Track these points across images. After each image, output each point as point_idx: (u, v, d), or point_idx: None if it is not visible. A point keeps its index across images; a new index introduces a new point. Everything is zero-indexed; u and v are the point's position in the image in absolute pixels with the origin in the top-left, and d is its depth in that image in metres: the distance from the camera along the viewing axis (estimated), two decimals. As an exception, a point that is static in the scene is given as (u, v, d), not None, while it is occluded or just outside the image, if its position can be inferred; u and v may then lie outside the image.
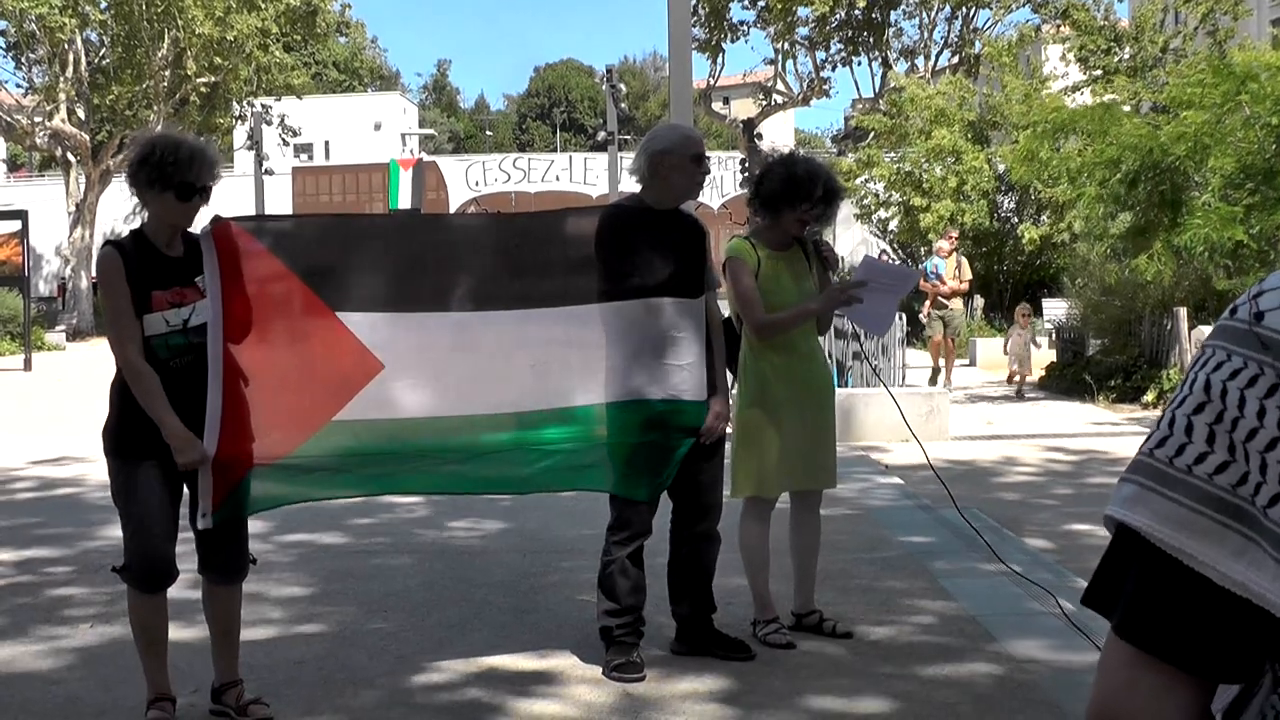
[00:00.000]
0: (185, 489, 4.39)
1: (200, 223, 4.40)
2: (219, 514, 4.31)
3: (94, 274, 4.80)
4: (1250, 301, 1.12)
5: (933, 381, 16.85)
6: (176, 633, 4.74)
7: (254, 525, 7.04)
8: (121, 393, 4.33)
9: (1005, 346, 17.61)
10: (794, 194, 5.33)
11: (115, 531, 4.53)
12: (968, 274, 17.74)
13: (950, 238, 18.28)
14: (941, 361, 17.34)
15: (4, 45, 41.11)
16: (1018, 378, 17.11)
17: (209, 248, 4.30)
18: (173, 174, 4.26)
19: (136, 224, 4.46)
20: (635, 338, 4.85)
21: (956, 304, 17.44)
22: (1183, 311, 14.74)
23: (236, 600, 4.62)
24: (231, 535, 4.47)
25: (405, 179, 54.44)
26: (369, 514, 8.50)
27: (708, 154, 5.27)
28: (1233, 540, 1.09)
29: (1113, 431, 13.03)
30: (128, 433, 4.30)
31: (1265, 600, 1.06)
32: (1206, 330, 13.05)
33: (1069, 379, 17.21)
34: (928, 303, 17.49)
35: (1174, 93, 15.45)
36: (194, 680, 4.76)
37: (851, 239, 40.97)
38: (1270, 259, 13.69)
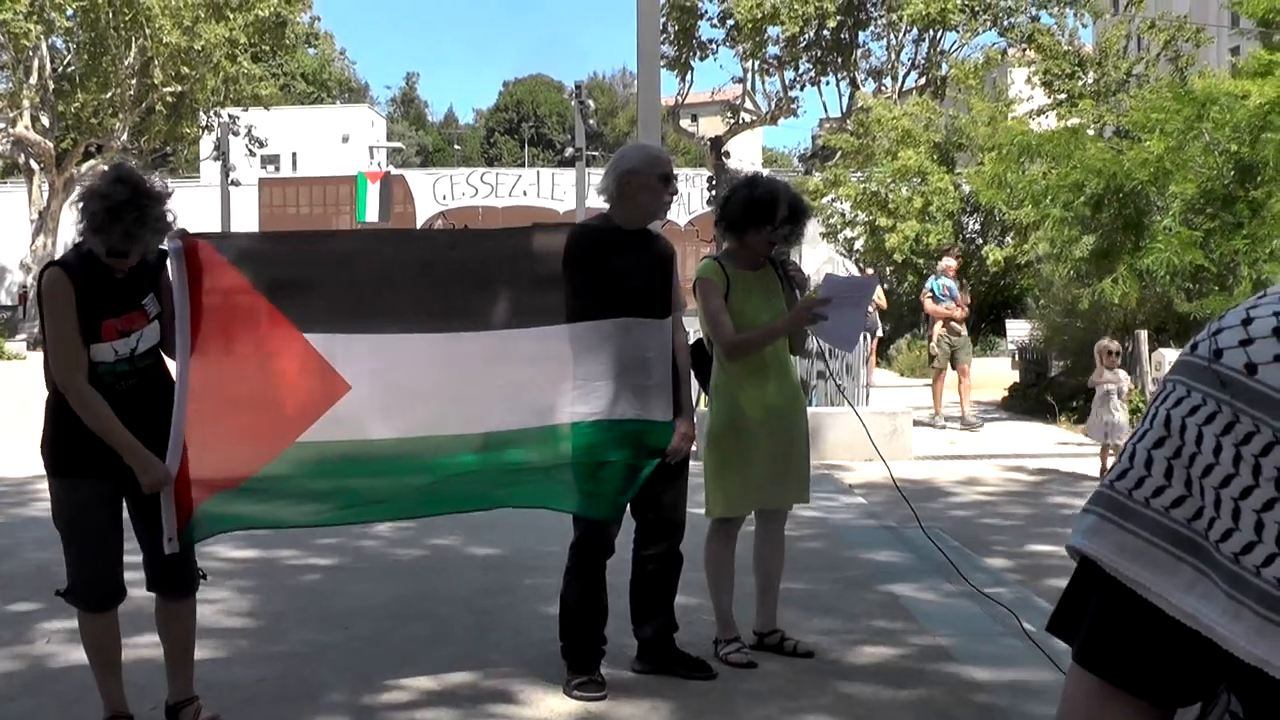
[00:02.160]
0: (126, 507, 4.31)
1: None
2: (184, 537, 4.27)
3: (34, 289, 4.64)
4: (1210, 339, 1.14)
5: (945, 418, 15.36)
6: (136, 649, 4.71)
7: (212, 542, 7.00)
8: (57, 409, 4.21)
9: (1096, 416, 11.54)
10: (757, 216, 5.35)
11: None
12: (966, 295, 16.44)
13: (956, 254, 16.91)
14: (943, 394, 15.66)
15: (-33, 52, 40.79)
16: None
17: (178, 262, 4.24)
18: (112, 229, 4.08)
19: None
20: (602, 357, 4.85)
21: (963, 329, 15.77)
22: (1143, 334, 14.86)
23: (190, 616, 4.56)
24: (178, 552, 4.42)
25: (373, 192, 54.29)
26: (331, 531, 8.45)
27: (675, 172, 5.28)
28: (1185, 573, 1.11)
29: (1074, 453, 13.11)
30: (66, 449, 4.22)
31: (1213, 632, 1.08)
32: (1168, 353, 13.18)
33: (1031, 400, 17.31)
34: (937, 328, 15.56)
35: (1136, 117, 15.61)
36: (152, 697, 4.71)
37: (817, 257, 41.08)
38: (1229, 283, 13.86)
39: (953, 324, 15.45)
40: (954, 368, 15.50)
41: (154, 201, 4.17)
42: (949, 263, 16.15)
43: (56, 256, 4.52)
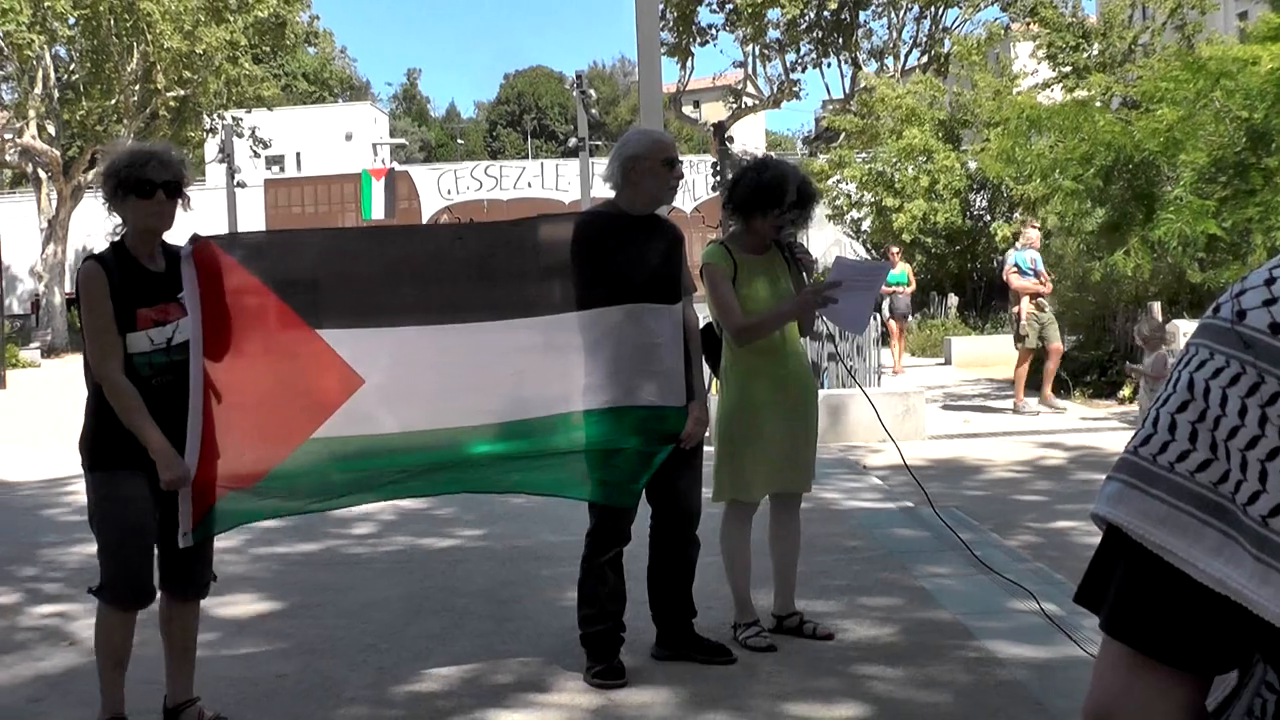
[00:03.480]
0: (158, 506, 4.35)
1: (180, 236, 4.37)
2: (197, 533, 4.28)
3: (71, 288, 4.72)
4: (1233, 300, 1.13)
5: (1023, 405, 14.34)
6: (152, 649, 4.69)
7: (230, 538, 7.01)
8: (98, 406, 4.27)
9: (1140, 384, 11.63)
10: (765, 200, 5.33)
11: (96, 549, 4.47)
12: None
13: (1035, 224, 15.57)
14: (1020, 373, 14.67)
15: (-29, 63, 40.87)
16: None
17: (189, 267, 4.26)
18: (128, 176, 4.23)
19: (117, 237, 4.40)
20: (613, 344, 4.83)
21: (1047, 305, 14.64)
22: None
23: (195, 617, 4.59)
24: (196, 552, 4.42)
25: (378, 189, 54.42)
26: (346, 525, 8.47)
27: (680, 158, 5.26)
28: (1211, 537, 1.10)
29: (1089, 427, 13.09)
30: (106, 446, 4.25)
31: (1242, 596, 1.06)
32: (1182, 324, 13.13)
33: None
34: (1025, 305, 14.31)
35: (1145, 87, 15.53)
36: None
37: (825, 240, 41.09)
38: (1243, 251, 13.78)
39: (1040, 299, 14.40)
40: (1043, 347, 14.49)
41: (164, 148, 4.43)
42: (1033, 233, 14.96)
43: (68, 264, 4.55)
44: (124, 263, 4.28)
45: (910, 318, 21.94)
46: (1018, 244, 15.14)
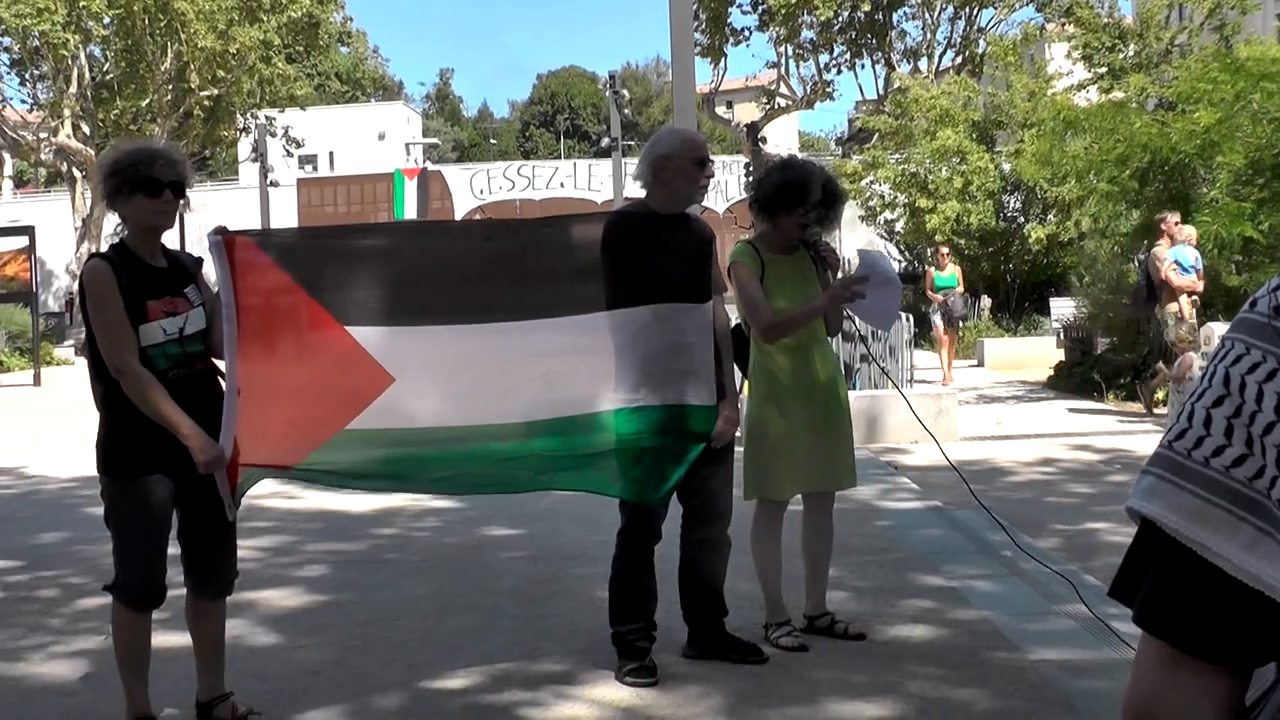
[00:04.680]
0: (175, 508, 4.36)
1: (196, 234, 4.40)
2: (237, 500, 4.35)
3: (77, 289, 4.75)
4: (1270, 294, 1.12)
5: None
6: (180, 643, 4.72)
7: (263, 536, 7.05)
8: (110, 407, 4.26)
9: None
10: (789, 199, 5.32)
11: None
12: None
13: (1178, 220, 14.33)
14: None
15: (8, 62, 41.27)
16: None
17: (219, 254, 4.29)
18: (135, 174, 4.23)
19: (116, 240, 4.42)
20: (643, 344, 4.83)
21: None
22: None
23: (222, 614, 4.61)
24: (222, 550, 4.46)
25: (410, 188, 54.54)
26: (377, 524, 8.51)
27: (711, 158, 5.25)
28: (1246, 532, 1.09)
29: (1122, 430, 13.00)
30: (121, 451, 4.25)
31: (1276, 592, 1.06)
32: (1216, 327, 13.03)
33: (1077, 378, 17.18)
34: (1183, 304, 13.64)
35: (1183, 88, 15.42)
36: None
37: (857, 241, 40.97)
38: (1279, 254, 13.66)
39: (1194, 298, 13.69)
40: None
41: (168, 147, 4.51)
42: (1191, 230, 13.95)
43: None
44: (128, 260, 4.29)
45: (964, 320, 21.32)
46: (1162, 241, 13.96)
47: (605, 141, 41.03)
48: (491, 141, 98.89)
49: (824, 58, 42.99)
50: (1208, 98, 14.08)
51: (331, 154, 71.94)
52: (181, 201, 4.37)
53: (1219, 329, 12.87)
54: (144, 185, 4.24)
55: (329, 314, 4.55)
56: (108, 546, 4.39)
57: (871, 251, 5.77)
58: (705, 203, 5.78)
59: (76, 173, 40.11)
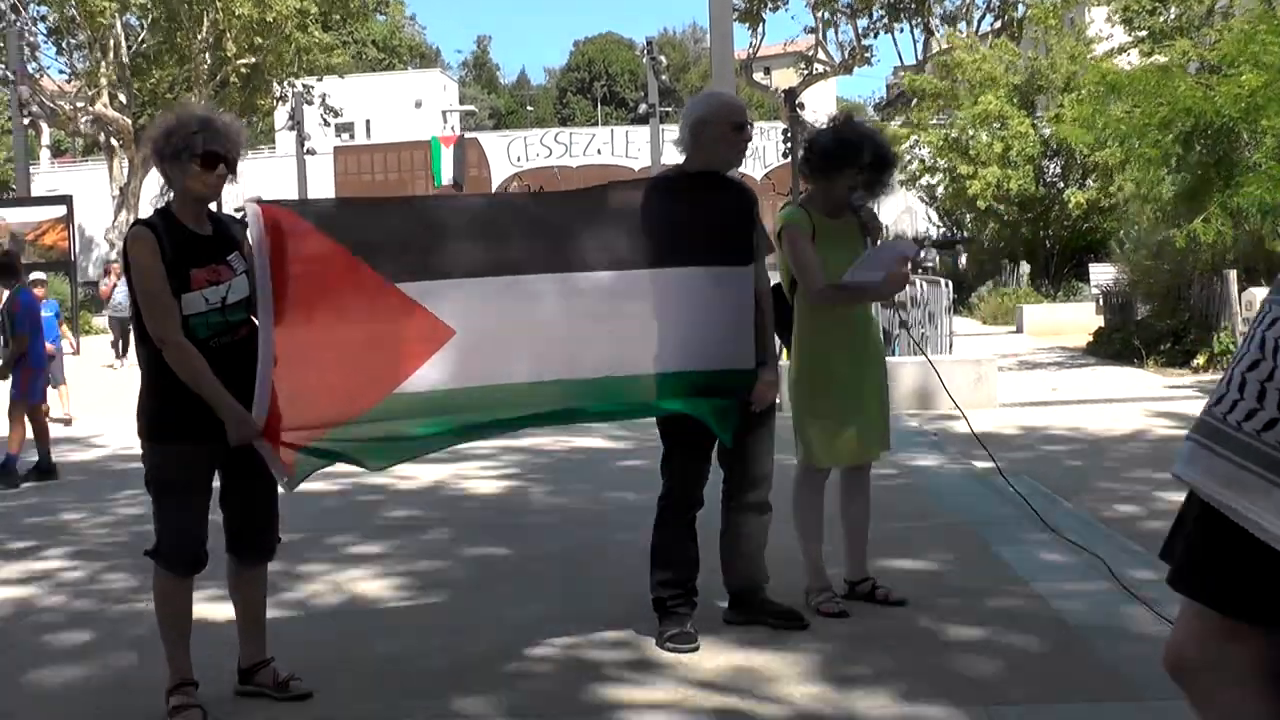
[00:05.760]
0: (217, 474, 4.37)
1: (232, 202, 4.38)
2: (297, 479, 4.33)
3: (118, 256, 4.72)
4: None
5: None
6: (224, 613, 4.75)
7: (304, 503, 7.09)
8: (154, 373, 4.26)
9: None
10: (844, 155, 5.26)
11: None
12: None
13: None
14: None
15: (46, 31, 41.47)
16: None
17: (256, 223, 4.26)
18: (197, 143, 4.21)
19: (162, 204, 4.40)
20: (684, 306, 4.80)
21: None
22: (1233, 274, 14.56)
23: (264, 580, 4.62)
24: (263, 516, 4.47)
25: (447, 156, 54.62)
26: (416, 490, 8.54)
27: (750, 122, 5.20)
28: (1277, 496, 1.08)
29: (1163, 395, 12.90)
30: (163, 415, 4.27)
31: None
32: (1259, 292, 12.89)
33: (1117, 344, 17.06)
34: None
35: (1226, 50, 15.19)
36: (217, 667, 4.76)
37: (896, 206, 40.72)
38: (1324, 218, 13.49)
39: None
40: None
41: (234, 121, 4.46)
42: None
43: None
44: (171, 227, 4.26)
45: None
46: None
47: (642, 108, 40.96)
48: (528, 109, 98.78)
49: (862, 22, 42.68)
50: (1254, 59, 13.86)
51: (368, 122, 72.03)
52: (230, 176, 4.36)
53: (1261, 295, 12.74)
54: (203, 156, 4.22)
55: (376, 273, 4.49)
56: (149, 513, 4.41)
57: (895, 243, 5.79)
58: (743, 169, 5.74)
59: (114, 142, 40.33)
